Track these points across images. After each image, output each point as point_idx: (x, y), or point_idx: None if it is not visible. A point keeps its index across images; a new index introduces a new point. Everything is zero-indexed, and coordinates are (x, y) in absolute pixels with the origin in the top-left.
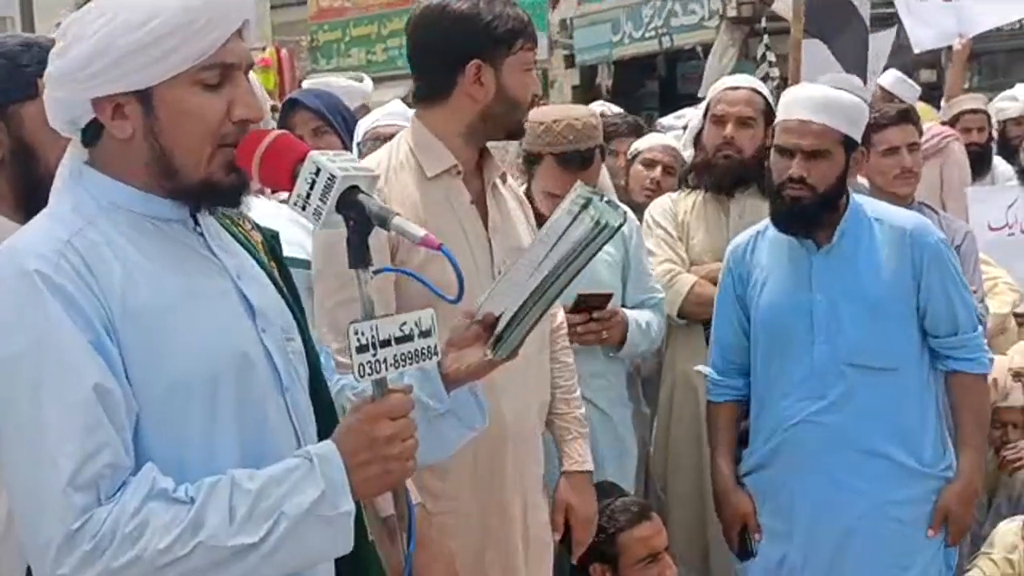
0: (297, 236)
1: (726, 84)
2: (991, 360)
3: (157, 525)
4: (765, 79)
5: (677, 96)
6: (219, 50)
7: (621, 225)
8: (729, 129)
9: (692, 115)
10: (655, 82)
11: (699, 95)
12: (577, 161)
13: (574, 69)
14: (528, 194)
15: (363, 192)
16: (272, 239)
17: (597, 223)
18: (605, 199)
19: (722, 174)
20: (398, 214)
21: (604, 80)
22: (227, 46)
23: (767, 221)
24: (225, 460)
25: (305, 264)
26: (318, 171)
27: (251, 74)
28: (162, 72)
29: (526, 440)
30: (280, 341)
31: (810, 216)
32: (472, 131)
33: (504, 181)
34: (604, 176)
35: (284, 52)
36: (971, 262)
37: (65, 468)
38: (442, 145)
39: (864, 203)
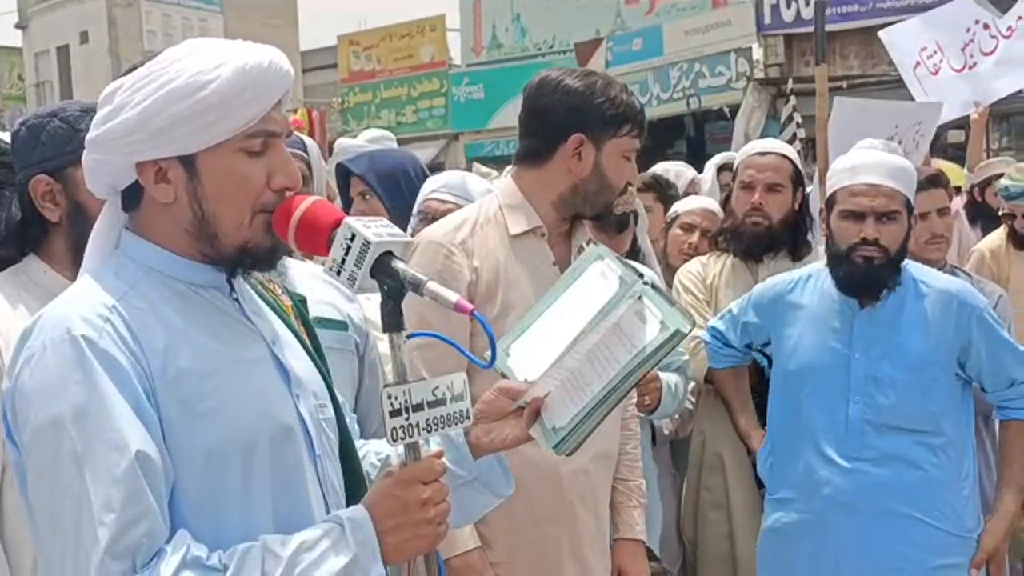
0: (330, 296)
1: (755, 149)
2: None
3: None
4: (792, 140)
5: (705, 156)
6: (263, 118)
7: (690, 330)
8: (758, 195)
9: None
10: (683, 142)
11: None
12: (615, 226)
13: None
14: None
15: (397, 257)
16: (301, 304)
17: (676, 333)
18: (642, 277)
19: (751, 240)
20: (431, 280)
21: None
22: (270, 114)
23: (809, 268)
24: (259, 526)
25: (338, 325)
26: (353, 237)
27: (309, 140)
28: (208, 139)
29: (584, 498)
30: (313, 408)
31: (882, 277)
32: (562, 201)
33: (589, 244)
34: (645, 241)
35: (316, 114)
36: (1004, 324)
37: (104, 537)
38: (530, 206)
39: (908, 266)
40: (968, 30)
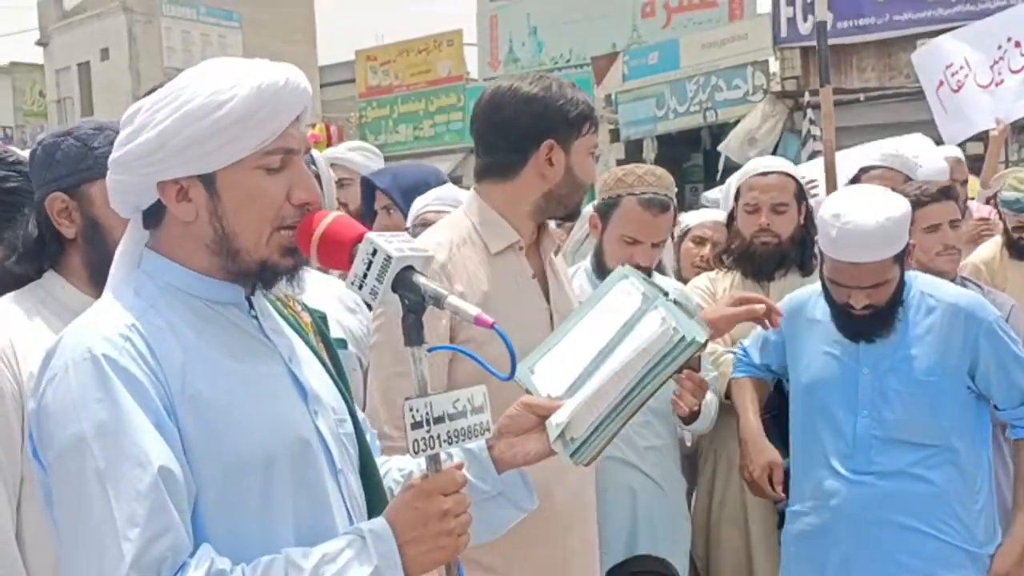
0: (332, 311)
1: (756, 169)
2: None
3: None
4: (813, 156)
5: (722, 169)
6: (281, 135)
7: (707, 341)
8: (764, 217)
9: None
10: (699, 155)
11: (718, 149)
12: (658, 204)
13: (619, 143)
14: (598, 248)
15: (418, 272)
16: (320, 320)
17: (683, 339)
18: (671, 298)
19: (762, 260)
20: (452, 294)
21: (649, 154)
22: (288, 131)
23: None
24: (281, 541)
25: (339, 343)
26: (375, 252)
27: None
28: (227, 157)
29: (574, 520)
30: (332, 424)
31: (880, 326)
32: (536, 209)
33: (556, 254)
34: (668, 250)
35: (334, 128)
36: (1018, 336)
37: (129, 552)
38: (505, 222)
39: (916, 279)
40: (1000, 47)
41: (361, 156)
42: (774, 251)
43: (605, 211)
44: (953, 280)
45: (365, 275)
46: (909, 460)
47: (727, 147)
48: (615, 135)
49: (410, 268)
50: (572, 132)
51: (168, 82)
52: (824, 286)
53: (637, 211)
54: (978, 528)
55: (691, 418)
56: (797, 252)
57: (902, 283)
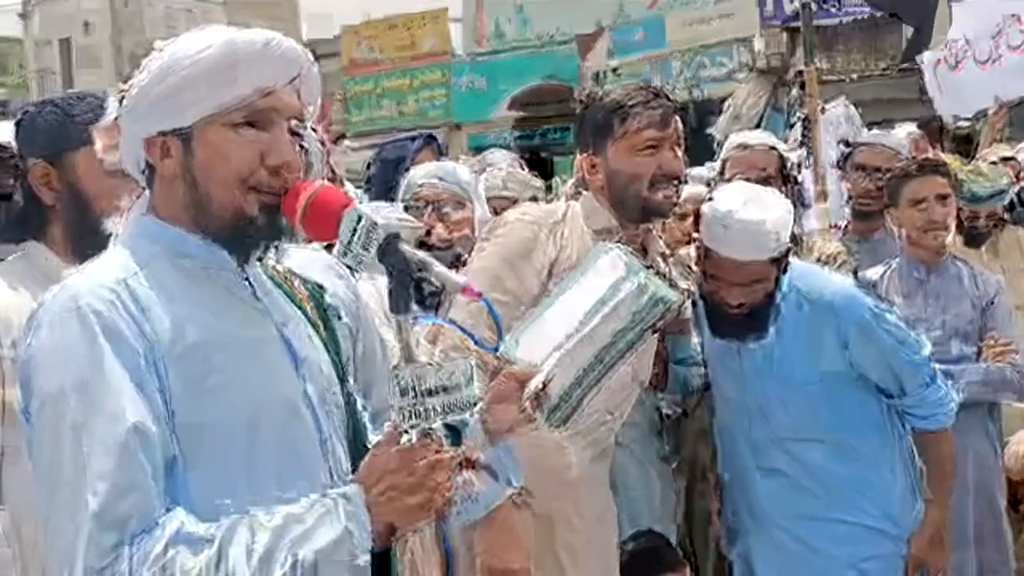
0: (329, 285)
1: (736, 142)
2: (951, 412)
3: (180, 569)
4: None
5: (707, 146)
6: (262, 98)
7: (681, 303)
8: None
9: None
10: (686, 132)
11: (708, 132)
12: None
13: None
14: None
15: (404, 241)
16: (316, 289)
17: (652, 297)
18: (650, 268)
19: None
20: (438, 263)
21: None
22: (275, 95)
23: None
24: (264, 502)
25: (334, 314)
26: (360, 219)
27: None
28: (199, 111)
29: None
30: (322, 391)
31: (757, 320)
32: (615, 210)
33: (665, 259)
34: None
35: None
36: (1005, 315)
37: (93, 505)
38: (605, 211)
39: (794, 272)
40: (997, 24)
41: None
42: None
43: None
44: (944, 258)
45: (350, 242)
46: (809, 455)
47: (718, 129)
48: None
49: (396, 237)
50: (601, 139)
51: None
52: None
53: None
54: (892, 503)
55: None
56: None
57: (777, 287)
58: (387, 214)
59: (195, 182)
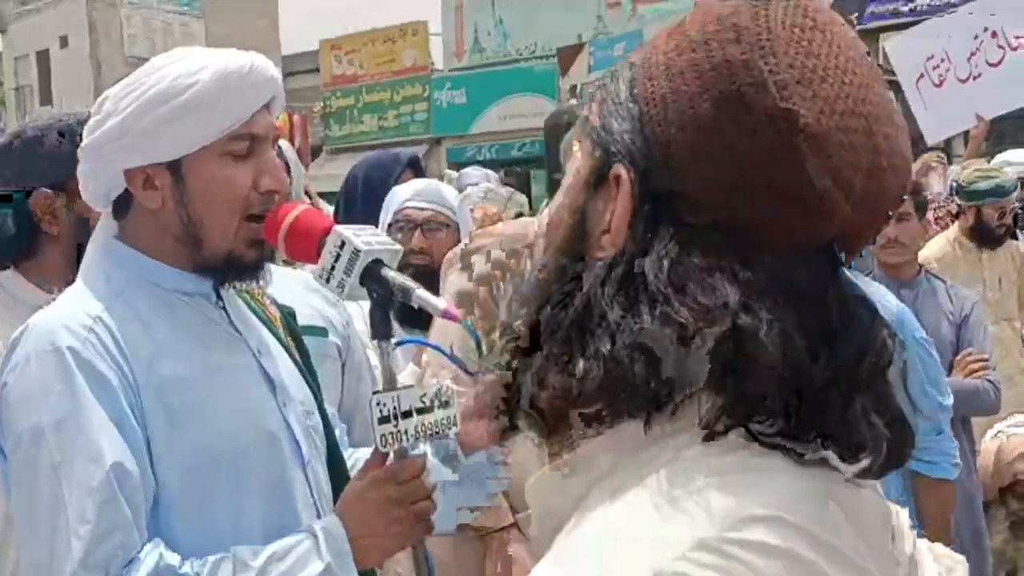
0: (312, 301)
1: None
2: (956, 466)
3: None
4: None
5: None
6: (247, 122)
7: None
8: None
9: None
10: None
11: None
12: None
13: None
14: None
15: (386, 265)
16: (289, 316)
17: None
18: None
19: None
20: (420, 287)
21: None
22: (255, 118)
23: None
24: (249, 532)
25: (319, 331)
26: (343, 244)
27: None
28: (191, 143)
29: None
30: (300, 416)
31: None
32: None
33: None
34: None
35: (297, 118)
36: (980, 330)
37: (77, 549)
38: None
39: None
40: (976, 37)
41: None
42: None
43: None
44: (917, 275)
45: (333, 268)
46: None
47: None
48: None
49: (378, 261)
50: None
51: (137, 71)
52: None
53: None
54: None
55: None
56: None
57: None
58: (368, 238)
59: (188, 213)
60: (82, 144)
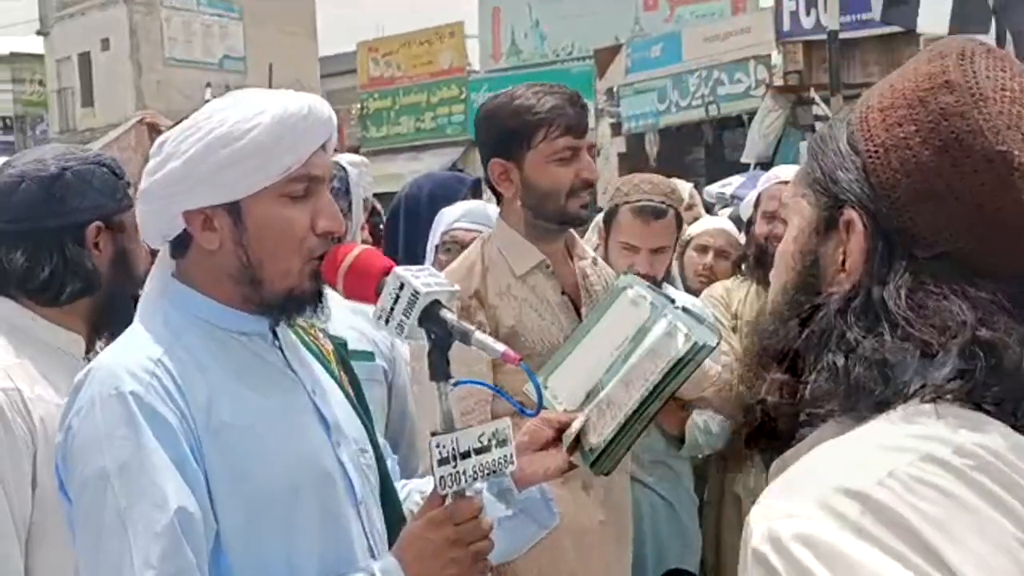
0: (358, 324)
1: (778, 177)
2: None
3: None
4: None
5: (724, 163)
6: (305, 164)
7: (717, 344)
8: (782, 227)
9: (736, 181)
10: (701, 149)
11: (741, 160)
12: (651, 212)
13: (620, 137)
14: (605, 257)
15: (444, 306)
16: (342, 347)
17: (695, 345)
18: (679, 306)
19: None
20: (477, 329)
21: (651, 148)
22: (312, 160)
23: None
24: (304, 573)
25: (367, 356)
26: (402, 286)
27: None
28: (251, 186)
29: (586, 532)
30: (354, 454)
31: None
32: (531, 226)
33: (596, 264)
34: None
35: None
36: None
37: None
38: (526, 242)
39: None
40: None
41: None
42: None
43: (606, 221)
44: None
45: (392, 309)
46: None
47: (748, 155)
48: (617, 129)
49: (436, 303)
50: (518, 147)
51: (195, 113)
52: None
53: (631, 219)
54: None
55: (679, 443)
56: None
57: None
58: (427, 279)
59: (247, 254)
60: (141, 186)
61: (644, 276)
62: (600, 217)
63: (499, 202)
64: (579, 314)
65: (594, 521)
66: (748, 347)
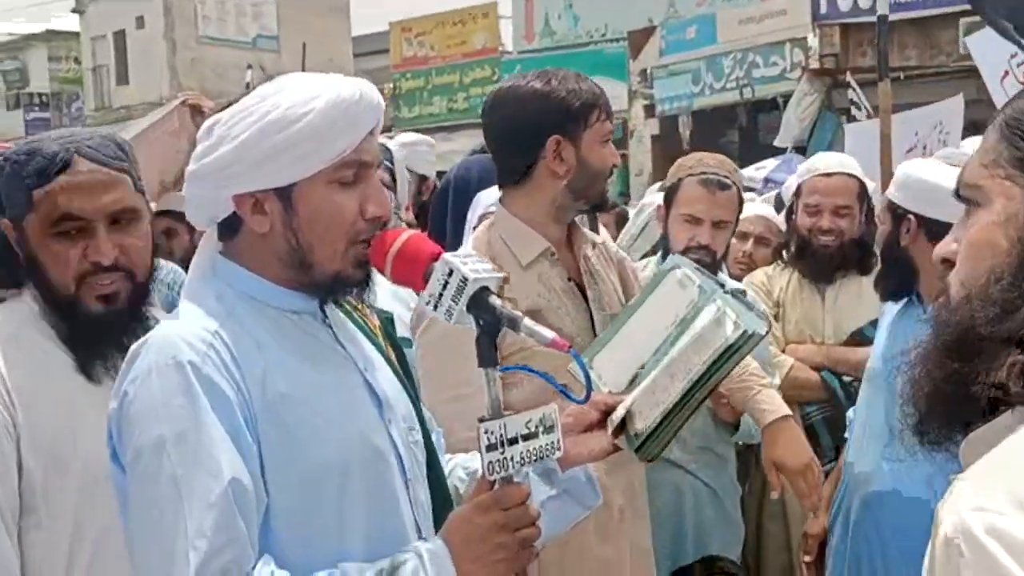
0: (400, 312)
1: (818, 169)
2: None
3: None
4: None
5: (758, 146)
6: (355, 149)
7: (767, 333)
8: (827, 221)
9: (770, 164)
10: (735, 132)
11: (776, 143)
12: (716, 183)
13: (654, 119)
14: (664, 236)
15: (493, 293)
16: (388, 322)
17: (744, 333)
18: (728, 290)
19: (822, 263)
20: (525, 317)
21: (684, 131)
22: (362, 145)
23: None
24: (353, 549)
25: (407, 342)
26: (451, 272)
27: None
28: (302, 171)
29: (610, 516)
30: (404, 432)
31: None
32: (559, 208)
33: (594, 247)
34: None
35: None
36: None
37: (194, 561)
38: (531, 230)
39: None
40: (1006, 60)
41: (414, 153)
42: (835, 253)
43: (668, 196)
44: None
45: (440, 295)
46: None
47: (783, 139)
48: (650, 111)
49: (485, 289)
50: (578, 124)
51: (244, 96)
52: None
53: (696, 189)
54: None
55: (736, 425)
56: (856, 253)
57: None
58: (476, 265)
59: (297, 238)
60: (190, 168)
61: (704, 248)
62: (644, 202)
63: (505, 186)
64: (586, 299)
65: (615, 505)
66: (949, 336)
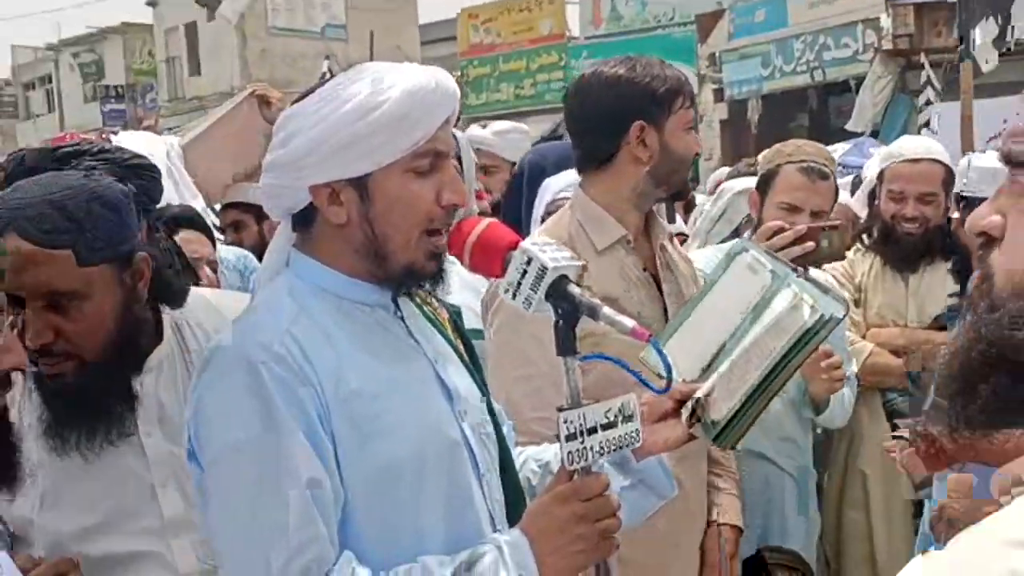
0: (471, 303)
1: (903, 155)
2: None
3: None
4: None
5: (830, 130)
6: (431, 139)
7: (844, 315)
8: (911, 208)
9: (841, 148)
10: (806, 115)
11: (847, 127)
12: (817, 171)
13: (723, 103)
14: (758, 223)
15: (572, 281)
16: (457, 316)
17: (821, 317)
18: (802, 274)
19: (907, 250)
20: (606, 306)
21: (753, 114)
22: (437, 135)
23: None
24: (431, 543)
25: (478, 334)
26: (529, 261)
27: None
28: (379, 160)
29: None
30: (476, 424)
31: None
32: (640, 194)
33: (671, 241)
34: None
35: None
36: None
37: (275, 563)
38: (609, 216)
39: None
40: None
41: (506, 140)
42: (919, 240)
43: (763, 184)
44: None
45: (519, 283)
46: None
47: (854, 124)
48: (719, 95)
49: (564, 278)
50: (663, 110)
51: (319, 87)
52: None
53: (796, 177)
54: None
55: (823, 406)
56: (940, 239)
57: None
58: (554, 254)
59: (373, 228)
60: (267, 159)
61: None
62: (724, 186)
63: (585, 171)
64: (660, 291)
65: (692, 497)
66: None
